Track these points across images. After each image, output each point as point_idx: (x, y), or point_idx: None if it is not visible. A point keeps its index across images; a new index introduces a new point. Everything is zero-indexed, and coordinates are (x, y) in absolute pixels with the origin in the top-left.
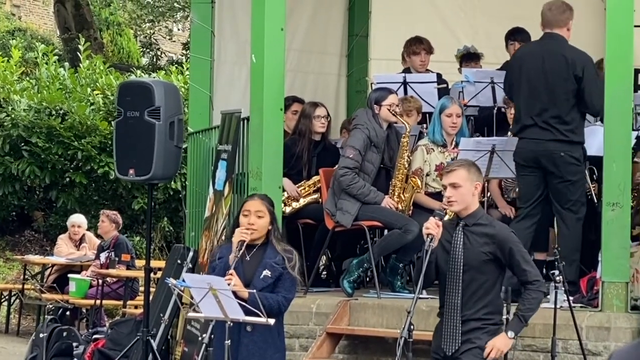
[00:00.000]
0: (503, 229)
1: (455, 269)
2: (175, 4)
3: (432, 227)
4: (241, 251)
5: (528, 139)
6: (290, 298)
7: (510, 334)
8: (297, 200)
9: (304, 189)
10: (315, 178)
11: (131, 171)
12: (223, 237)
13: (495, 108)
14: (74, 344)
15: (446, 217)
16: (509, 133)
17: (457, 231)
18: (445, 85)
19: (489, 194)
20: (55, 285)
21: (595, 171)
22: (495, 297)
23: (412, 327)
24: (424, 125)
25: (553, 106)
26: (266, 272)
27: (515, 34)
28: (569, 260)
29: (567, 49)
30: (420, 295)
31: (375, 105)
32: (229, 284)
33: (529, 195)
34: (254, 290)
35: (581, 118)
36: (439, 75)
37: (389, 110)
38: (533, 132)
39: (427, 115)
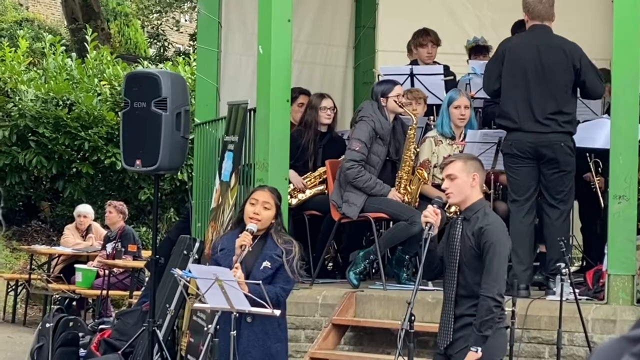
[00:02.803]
0: (494, 225)
1: (451, 264)
2: None
3: (431, 215)
4: (244, 254)
5: (525, 131)
6: (288, 289)
7: (474, 348)
8: (303, 192)
9: (310, 180)
10: (321, 169)
11: (138, 162)
12: (229, 228)
13: None
14: (80, 334)
15: (452, 209)
16: None
17: (458, 225)
18: (452, 78)
19: (500, 185)
20: (61, 275)
21: (601, 164)
22: None
23: (413, 318)
24: (431, 118)
25: (553, 99)
26: (266, 264)
27: (522, 27)
28: (555, 251)
29: (562, 41)
30: (424, 287)
31: (381, 98)
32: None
33: (526, 187)
34: (260, 282)
35: (575, 109)
36: (446, 68)
37: (395, 101)
38: (530, 125)
39: (434, 107)
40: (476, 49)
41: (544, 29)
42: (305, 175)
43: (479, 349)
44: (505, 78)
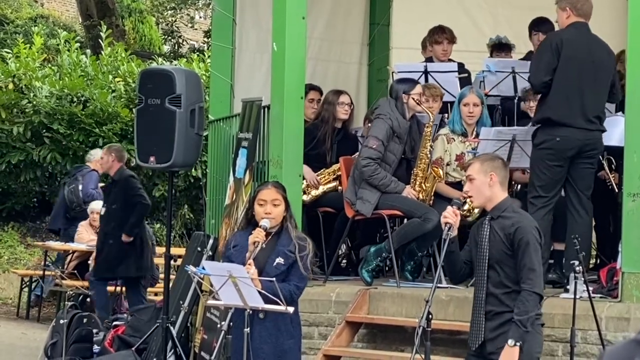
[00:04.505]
0: (525, 220)
1: (481, 264)
2: None
3: (450, 216)
4: (257, 251)
5: (574, 127)
6: (302, 287)
7: (511, 342)
8: (316, 188)
9: (324, 177)
10: (335, 166)
11: (152, 158)
12: (238, 228)
13: (517, 98)
14: (94, 331)
15: (465, 206)
16: (530, 123)
17: (485, 225)
18: (466, 75)
19: (514, 183)
20: (75, 271)
21: (614, 161)
22: None
23: (430, 316)
24: (446, 115)
25: (601, 98)
26: (279, 260)
27: (540, 25)
28: (586, 247)
29: (601, 40)
30: (440, 285)
31: (403, 95)
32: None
33: (557, 184)
34: (273, 279)
35: None
36: (460, 65)
37: (416, 100)
38: (581, 122)
39: (449, 104)
40: (498, 47)
41: (587, 27)
42: (319, 172)
43: (518, 343)
44: (558, 72)
